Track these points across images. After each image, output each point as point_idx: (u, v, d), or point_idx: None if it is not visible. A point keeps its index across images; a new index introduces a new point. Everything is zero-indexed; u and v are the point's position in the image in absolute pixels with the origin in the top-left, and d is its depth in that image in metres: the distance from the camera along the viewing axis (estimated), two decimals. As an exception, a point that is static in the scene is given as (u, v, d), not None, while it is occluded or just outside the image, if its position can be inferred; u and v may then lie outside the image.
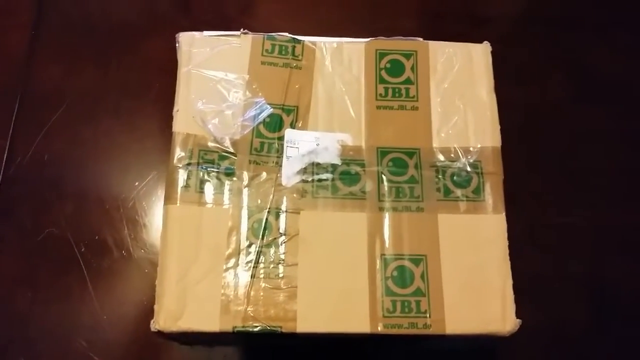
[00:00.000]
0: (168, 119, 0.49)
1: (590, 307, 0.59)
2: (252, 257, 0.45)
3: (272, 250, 0.45)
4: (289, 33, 0.51)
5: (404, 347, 0.55)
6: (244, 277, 0.44)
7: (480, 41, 0.53)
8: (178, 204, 0.45)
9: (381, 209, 0.47)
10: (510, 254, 0.47)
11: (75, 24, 0.67)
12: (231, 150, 0.47)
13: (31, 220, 0.59)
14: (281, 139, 0.48)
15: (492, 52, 0.52)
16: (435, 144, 0.49)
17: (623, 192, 0.64)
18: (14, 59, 0.65)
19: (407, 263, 0.45)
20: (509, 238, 0.47)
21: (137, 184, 0.60)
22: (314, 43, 0.51)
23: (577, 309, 0.59)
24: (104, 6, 0.69)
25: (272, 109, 0.49)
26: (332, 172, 0.47)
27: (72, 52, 0.66)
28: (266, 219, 0.46)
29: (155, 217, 0.59)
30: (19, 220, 0.59)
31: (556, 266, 0.60)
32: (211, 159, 0.47)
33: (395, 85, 0.50)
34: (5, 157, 0.61)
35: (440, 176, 0.48)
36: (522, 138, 0.62)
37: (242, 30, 0.51)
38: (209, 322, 0.43)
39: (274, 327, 0.43)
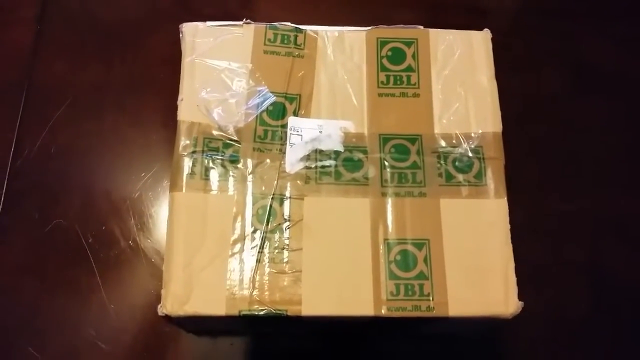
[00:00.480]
0: (172, 111, 0.50)
1: (590, 293, 0.60)
2: (257, 242, 0.45)
3: (277, 235, 0.45)
4: (291, 24, 0.52)
5: (407, 333, 0.56)
6: (249, 262, 0.45)
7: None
8: (184, 192, 0.46)
9: (384, 195, 0.47)
10: (511, 241, 0.47)
11: (79, 19, 0.68)
12: (235, 138, 0.48)
13: (38, 212, 0.59)
14: (284, 126, 0.49)
15: (491, 40, 0.53)
16: (436, 130, 0.49)
17: (621, 180, 0.64)
18: (19, 54, 0.66)
19: (410, 247, 0.46)
20: (510, 225, 0.47)
21: (142, 175, 0.61)
22: (315, 32, 0.52)
23: (577, 295, 0.60)
24: (107, 1, 0.69)
25: (275, 97, 0.49)
26: (335, 159, 0.48)
27: (77, 46, 0.67)
28: (270, 205, 0.46)
29: (161, 207, 0.60)
30: (26, 212, 0.59)
31: (556, 253, 0.61)
32: (216, 147, 0.47)
33: (397, 72, 0.51)
34: (12, 150, 0.62)
35: (442, 162, 0.48)
36: (520, 127, 0.63)
37: (244, 20, 0.51)
38: (216, 306, 0.43)
39: (280, 310, 0.43)
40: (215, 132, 0.48)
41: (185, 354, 0.57)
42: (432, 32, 0.52)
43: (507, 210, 0.47)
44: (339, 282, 0.45)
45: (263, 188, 0.47)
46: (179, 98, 0.49)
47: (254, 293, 0.44)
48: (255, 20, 0.52)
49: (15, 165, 0.61)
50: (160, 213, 0.60)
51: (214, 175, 0.47)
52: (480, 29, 0.53)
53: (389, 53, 0.51)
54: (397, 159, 0.48)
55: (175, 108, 0.49)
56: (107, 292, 0.57)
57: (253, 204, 0.46)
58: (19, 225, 0.59)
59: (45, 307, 0.57)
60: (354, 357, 0.57)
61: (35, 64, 0.65)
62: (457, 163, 0.48)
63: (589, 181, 0.64)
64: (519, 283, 0.46)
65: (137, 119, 0.63)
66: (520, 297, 0.45)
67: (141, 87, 0.65)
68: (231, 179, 0.47)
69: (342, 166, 0.48)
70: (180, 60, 0.51)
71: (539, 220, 0.61)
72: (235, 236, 0.45)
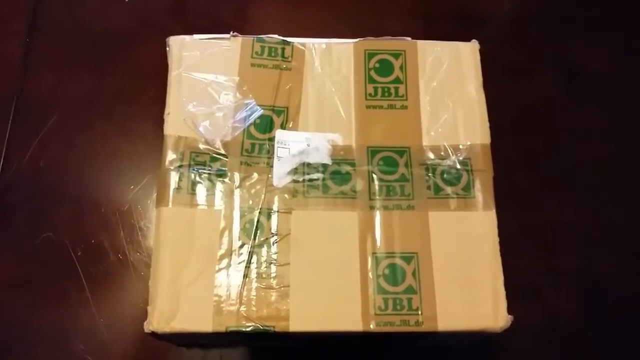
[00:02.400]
0: (162, 123, 0.50)
1: (582, 303, 0.60)
2: (245, 257, 0.45)
3: (264, 250, 0.45)
4: (282, 35, 0.52)
5: (400, 345, 0.56)
6: (237, 277, 0.44)
7: (469, 41, 0.53)
8: (170, 206, 0.46)
9: (372, 208, 0.47)
10: (502, 251, 0.47)
11: (69, 31, 0.68)
12: (222, 151, 0.48)
13: (28, 226, 0.59)
14: (272, 139, 0.48)
15: (482, 52, 0.52)
16: (425, 142, 0.49)
17: (615, 189, 0.64)
18: (8, 67, 0.65)
19: (398, 261, 0.45)
20: (501, 234, 0.47)
21: (132, 187, 0.61)
22: (303, 44, 0.52)
23: (570, 305, 0.59)
24: (96, 13, 0.69)
25: (262, 110, 0.49)
26: (323, 172, 0.48)
27: (66, 58, 0.66)
28: (258, 220, 0.46)
29: (150, 220, 0.60)
30: (15, 225, 0.59)
31: (549, 263, 0.61)
32: (202, 161, 0.47)
33: (385, 84, 0.51)
34: (1, 164, 0.61)
35: (430, 174, 0.48)
36: (514, 136, 0.63)
37: (231, 32, 0.51)
38: (202, 322, 0.43)
39: (267, 326, 0.43)
40: (202, 146, 0.48)
41: (175, 367, 0.56)
42: (420, 43, 0.52)
43: (496, 223, 0.47)
44: (327, 297, 0.44)
45: (250, 202, 0.46)
46: (166, 112, 0.49)
47: (241, 309, 0.43)
48: (247, 30, 0.52)
49: (5, 178, 0.61)
50: (150, 226, 0.59)
51: (201, 189, 0.46)
52: (473, 38, 0.53)
53: (377, 65, 0.51)
54: (386, 172, 0.48)
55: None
56: (97, 306, 0.57)
57: (240, 218, 0.46)
58: (8, 238, 0.59)
59: (34, 321, 0.56)
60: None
61: (24, 77, 0.65)
62: (445, 175, 0.48)
63: (583, 190, 0.64)
64: (512, 294, 0.45)
65: (127, 131, 0.63)
66: (513, 308, 0.45)
67: (131, 99, 0.65)
68: (218, 193, 0.47)
69: (330, 179, 0.47)
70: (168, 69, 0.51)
71: (532, 230, 0.61)
72: (223, 251, 0.45)
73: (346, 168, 0.48)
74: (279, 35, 0.52)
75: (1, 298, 0.57)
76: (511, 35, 0.71)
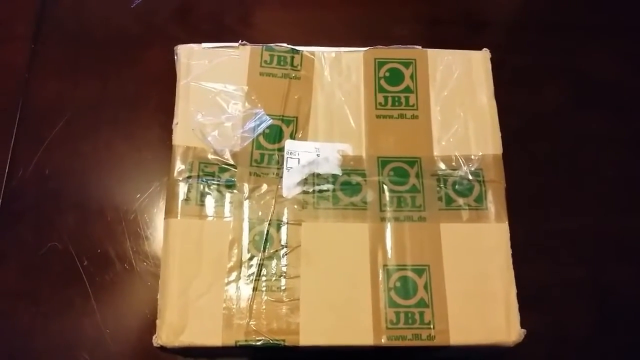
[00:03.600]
0: (168, 130, 0.49)
1: (594, 312, 0.59)
2: (254, 269, 0.44)
3: (274, 262, 0.45)
4: (287, 42, 0.51)
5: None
6: (246, 290, 0.44)
7: (477, 47, 0.53)
8: (179, 218, 0.45)
9: (383, 219, 0.46)
10: (512, 260, 0.46)
11: (74, 37, 0.67)
12: (231, 162, 0.47)
13: (33, 234, 0.58)
14: (281, 150, 0.48)
15: (490, 58, 0.52)
16: (436, 153, 0.49)
17: (624, 197, 0.63)
18: (13, 73, 0.65)
19: (410, 273, 0.45)
20: (511, 244, 0.47)
21: (138, 196, 0.60)
22: (312, 53, 0.51)
23: (581, 315, 0.59)
24: (102, 19, 0.69)
25: (271, 120, 0.49)
26: (333, 183, 0.47)
27: (71, 65, 0.66)
28: (267, 231, 0.45)
29: (157, 229, 0.59)
30: (20, 234, 0.58)
31: (558, 272, 0.60)
32: (211, 172, 0.47)
33: (395, 94, 0.50)
34: (6, 172, 0.61)
35: (441, 185, 0.48)
36: (521, 144, 0.62)
37: (240, 41, 0.50)
38: (212, 336, 0.43)
39: (277, 340, 0.43)
40: (210, 157, 0.47)
41: (181, 378, 0.56)
42: (431, 52, 0.51)
43: (508, 235, 0.46)
44: (338, 311, 0.44)
45: (260, 213, 0.46)
46: (174, 122, 0.48)
47: (250, 322, 0.43)
48: (252, 36, 0.51)
49: (10, 186, 0.60)
50: (156, 235, 0.59)
51: (210, 200, 0.46)
52: (480, 44, 0.52)
53: (387, 74, 0.51)
54: (396, 183, 0.47)
55: (171, 126, 0.49)
56: (102, 316, 0.56)
57: (249, 230, 0.46)
58: (14, 247, 0.58)
59: (39, 331, 0.56)
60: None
61: (29, 83, 0.65)
62: (457, 186, 0.47)
63: (591, 198, 0.63)
64: (521, 303, 0.45)
65: (133, 138, 0.63)
66: (522, 318, 0.44)
67: (137, 105, 0.64)
68: (227, 205, 0.46)
69: (340, 190, 0.47)
70: (176, 78, 0.50)
71: (540, 238, 0.60)
72: (232, 263, 0.45)
73: (356, 179, 0.47)
74: (284, 40, 0.51)
75: (6, 307, 0.56)
76: (518, 41, 0.70)
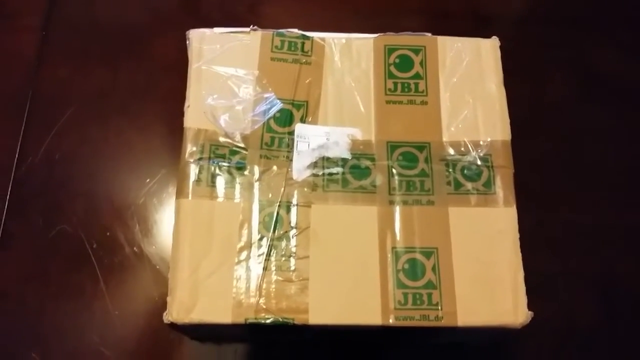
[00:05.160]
0: (176, 117, 0.50)
1: (599, 303, 0.59)
2: (264, 250, 0.45)
3: (284, 243, 0.45)
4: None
5: (414, 342, 0.55)
6: (256, 270, 0.44)
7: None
8: (190, 198, 0.46)
9: (392, 203, 0.47)
10: (518, 250, 0.47)
11: (84, 26, 0.68)
12: (242, 145, 0.47)
13: (43, 218, 0.59)
14: (291, 133, 0.48)
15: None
16: (445, 138, 0.49)
17: (629, 188, 0.64)
18: (24, 61, 0.66)
19: (418, 256, 0.45)
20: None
21: (147, 181, 0.61)
22: (322, 39, 0.51)
23: (586, 304, 0.59)
24: (111, 7, 0.69)
25: (282, 104, 0.49)
26: (343, 166, 0.48)
27: (81, 53, 0.66)
28: (277, 213, 0.46)
29: (165, 213, 0.60)
30: (30, 218, 0.59)
31: (564, 263, 0.60)
32: (222, 154, 0.47)
33: (405, 80, 0.51)
34: (16, 157, 0.61)
35: (450, 170, 0.48)
36: (526, 136, 0.62)
37: (251, 26, 0.51)
38: (222, 314, 0.43)
39: (287, 319, 0.43)
40: (221, 139, 0.48)
41: (189, 361, 0.56)
42: (440, 39, 0.52)
43: (517, 219, 0.47)
44: (346, 291, 0.44)
45: (270, 195, 0.46)
46: (186, 105, 0.49)
47: (260, 301, 0.43)
48: (261, 25, 0.52)
49: (20, 171, 0.61)
50: (165, 219, 0.59)
51: (221, 182, 0.46)
52: (486, 37, 0.53)
53: (397, 60, 0.51)
54: (405, 167, 0.48)
55: (181, 114, 0.49)
56: (111, 299, 0.57)
57: (260, 211, 0.46)
58: (24, 231, 0.59)
59: (49, 313, 0.56)
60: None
61: (39, 71, 0.65)
62: (465, 171, 0.48)
63: (597, 191, 0.63)
64: (527, 293, 0.45)
65: (142, 125, 0.63)
66: (528, 308, 0.44)
67: (146, 93, 0.65)
68: (238, 186, 0.46)
69: (349, 174, 0.47)
70: (186, 66, 0.51)
71: (546, 230, 0.61)
72: (242, 243, 0.45)
73: (366, 163, 0.48)
74: (295, 29, 0.52)
75: (16, 290, 0.57)
76: (524, 35, 0.71)
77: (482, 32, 0.53)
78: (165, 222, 0.59)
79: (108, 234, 0.59)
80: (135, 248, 0.58)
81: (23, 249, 0.58)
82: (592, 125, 0.67)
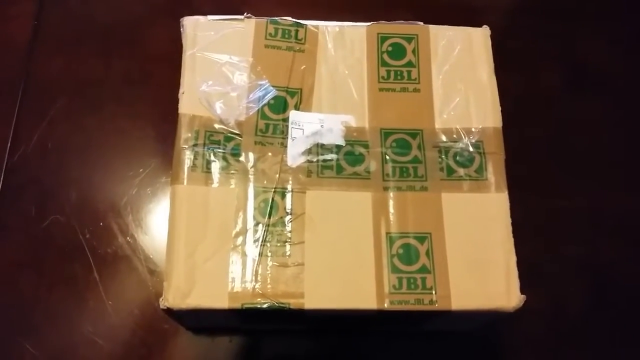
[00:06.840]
0: (170, 107, 0.49)
1: (588, 289, 0.60)
2: (259, 235, 0.45)
3: (279, 229, 0.45)
4: (290, 19, 0.52)
5: (408, 327, 0.56)
6: (252, 255, 0.44)
7: (475, 31, 0.54)
8: (185, 184, 0.46)
9: (386, 189, 0.47)
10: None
11: (77, 15, 0.68)
12: (237, 131, 0.48)
13: (36, 208, 0.59)
14: (286, 120, 0.49)
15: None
16: (437, 125, 0.49)
17: (618, 177, 0.65)
18: (16, 49, 0.65)
19: (412, 241, 0.46)
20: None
21: (140, 170, 0.61)
22: (316, 27, 0.52)
23: (576, 292, 0.60)
24: (105, -3, 0.69)
25: (276, 91, 0.49)
26: (337, 153, 0.48)
27: (74, 41, 0.66)
28: (272, 199, 0.46)
29: (159, 203, 0.60)
30: (23, 207, 0.59)
31: (554, 250, 0.61)
32: (217, 140, 0.47)
33: (397, 68, 0.51)
34: (9, 146, 0.61)
35: (443, 156, 0.48)
36: (516, 126, 0.63)
37: (245, 14, 0.51)
38: (218, 299, 0.43)
39: (282, 304, 0.43)
40: (216, 126, 0.48)
41: (183, 350, 0.56)
42: (432, 28, 0.52)
43: (508, 204, 0.47)
44: (342, 276, 0.45)
45: (265, 181, 0.47)
46: (180, 91, 0.49)
47: (256, 286, 0.44)
48: (254, 14, 0.52)
49: (12, 160, 0.61)
50: (158, 209, 0.59)
51: (216, 168, 0.47)
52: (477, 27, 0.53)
53: (390, 48, 0.52)
54: (399, 153, 0.48)
55: (174, 103, 0.49)
56: (105, 288, 0.57)
57: (255, 198, 0.46)
58: (16, 220, 0.59)
59: (42, 303, 0.56)
60: (351, 355, 0.57)
61: (32, 59, 0.65)
62: (458, 157, 0.48)
63: (585, 178, 0.64)
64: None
65: (135, 115, 0.63)
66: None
67: (139, 82, 0.65)
68: (233, 173, 0.47)
69: (343, 160, 0.48)
70: (179, 56, 0.51)
71: (536, 217, 0.62)
72: (237, 229, 0.45)
73: (359, 149, 0.48)
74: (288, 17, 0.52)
75: (9, 280, 0.57)
76: (515, 26, 0.72)
77: (473, 24, 0.53)
78: (159, 212, 0.59)
79: (101, 223, 0.58)
80: (128, 238, 0.58)
81: (15, 239, 0.58)
82: (581, 114, 0.67)
